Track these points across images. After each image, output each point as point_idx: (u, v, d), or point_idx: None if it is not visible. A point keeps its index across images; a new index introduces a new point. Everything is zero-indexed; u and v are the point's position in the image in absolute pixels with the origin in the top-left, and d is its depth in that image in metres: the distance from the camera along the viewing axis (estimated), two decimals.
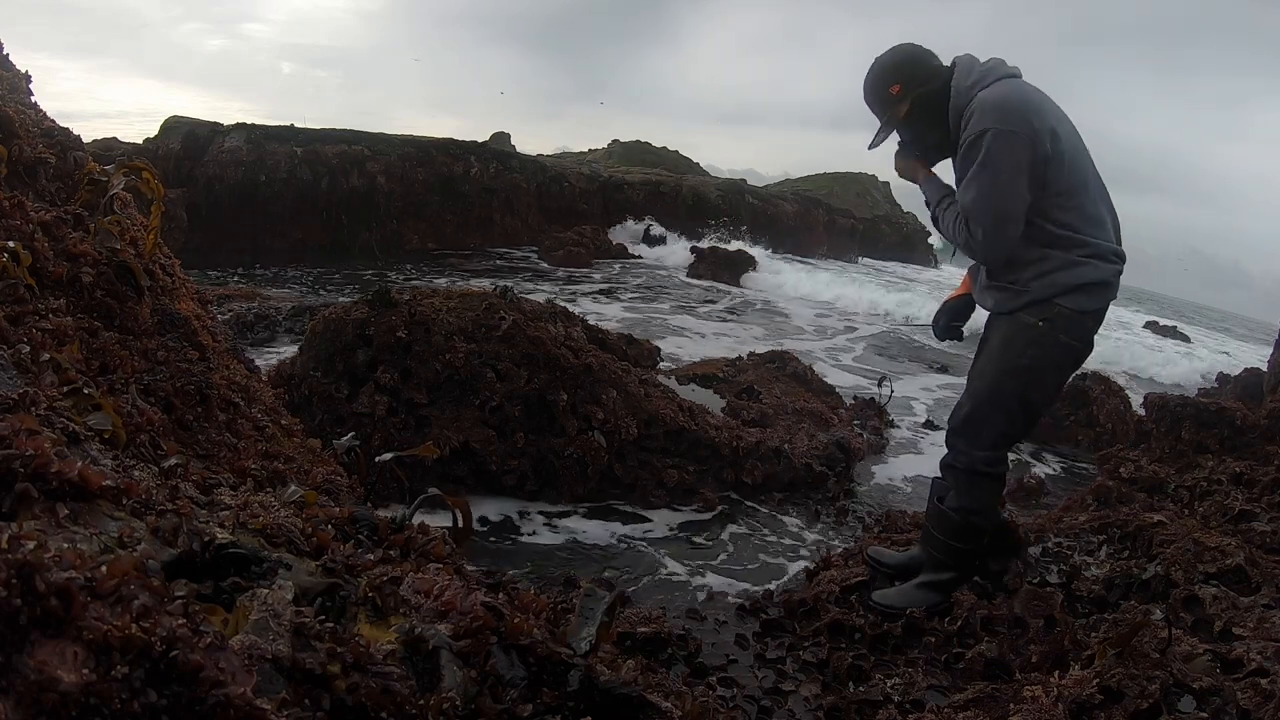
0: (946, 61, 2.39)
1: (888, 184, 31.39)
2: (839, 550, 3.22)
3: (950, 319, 2.63)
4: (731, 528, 3.73)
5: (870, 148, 2.50)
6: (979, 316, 2.57)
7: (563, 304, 5.00)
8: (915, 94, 2.35)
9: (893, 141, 2.51)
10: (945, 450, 2.58)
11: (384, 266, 13.30)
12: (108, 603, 0.61)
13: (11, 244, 1.41)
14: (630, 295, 12.29)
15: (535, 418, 3.80)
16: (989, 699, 1.91)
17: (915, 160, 2.48)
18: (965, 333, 2.64)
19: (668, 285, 13.79)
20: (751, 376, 5.75)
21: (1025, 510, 3.84)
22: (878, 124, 2.44)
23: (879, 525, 3.71)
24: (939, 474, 2.65)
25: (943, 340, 2.69)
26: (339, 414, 3.63)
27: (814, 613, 2.63)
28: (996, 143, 2.15)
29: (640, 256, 16.75)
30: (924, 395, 7.11)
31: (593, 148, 29.58)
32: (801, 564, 3.35)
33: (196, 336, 1.98)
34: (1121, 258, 2.31)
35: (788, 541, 3.66)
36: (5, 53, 2.57)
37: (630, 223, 18.04)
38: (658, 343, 6.85)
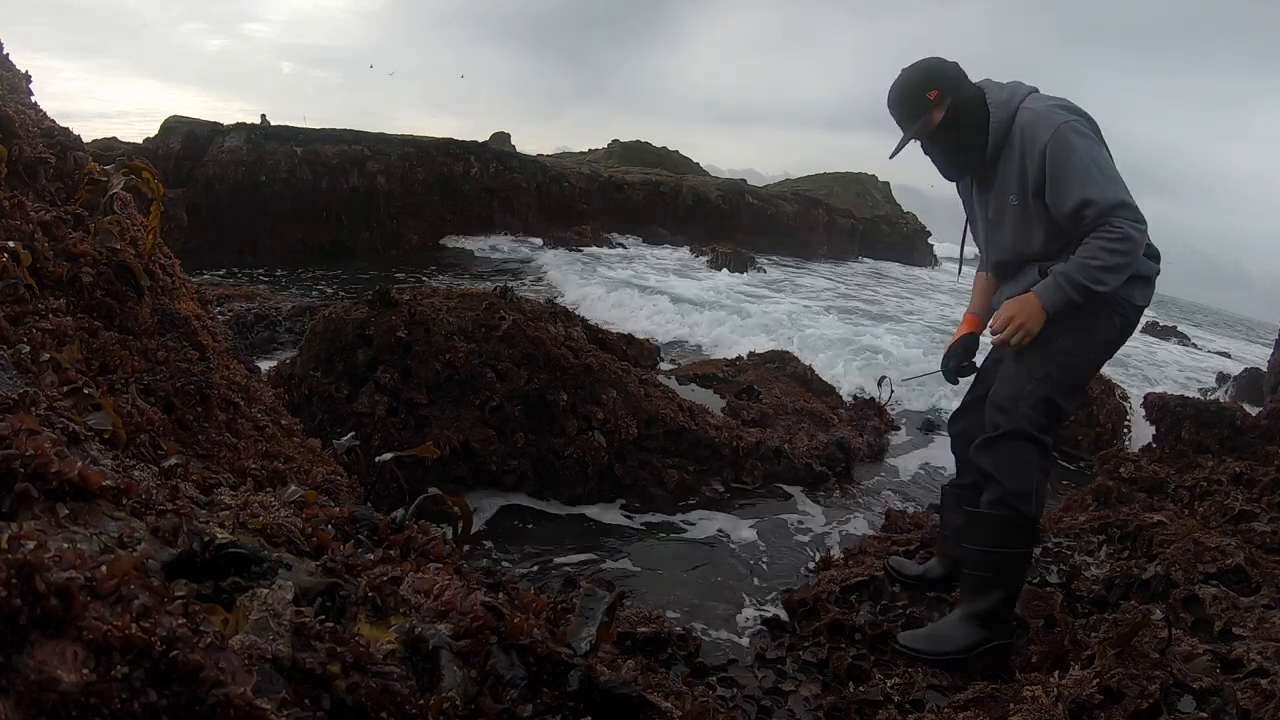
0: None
1: (888, 184, 31.40)
2: (839, 550, 3.22)
3: (962, 358, 2.54)
4: (731, 528, 3.73)
5: (892, 156, 2.44)
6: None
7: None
8: (952, 100, 2.30)
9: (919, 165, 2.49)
10: (956, 449, 2.52)
11: (414, 268, 13.22)
12: (108, 603, 0.61)
13: (11, 244, 1.41)
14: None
15: (535, 418, 3.80)
16: (989, 699, 1.91)
17: (1028, 307, 2.26)
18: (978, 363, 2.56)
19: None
20: (751, 376, 5.75)
21: None
22: (900, 133, 2.36)
23: (880, 525, 3.72)
24: (948, 486, 2.58)
25: (954, 383, 2.55)
26: (339, 414, 3.63)
27: (814, 613, 2.63)
28: (1074, 132, 2.15)
29: (645, 255, 16.73)
30: (926, 395, 7.10)
31: (593, 148, 29.59)
32: (801, 564, 3.35)
33: (196, 336, 1.98)
34: (1158, 256, 2.30)
35: (787, 542, 3.66)
36: (5, 53, 2.57)
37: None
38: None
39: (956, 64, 2.38)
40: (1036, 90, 2.32)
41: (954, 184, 2.55)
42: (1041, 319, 2.23)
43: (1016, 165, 2.25)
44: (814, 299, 13.49)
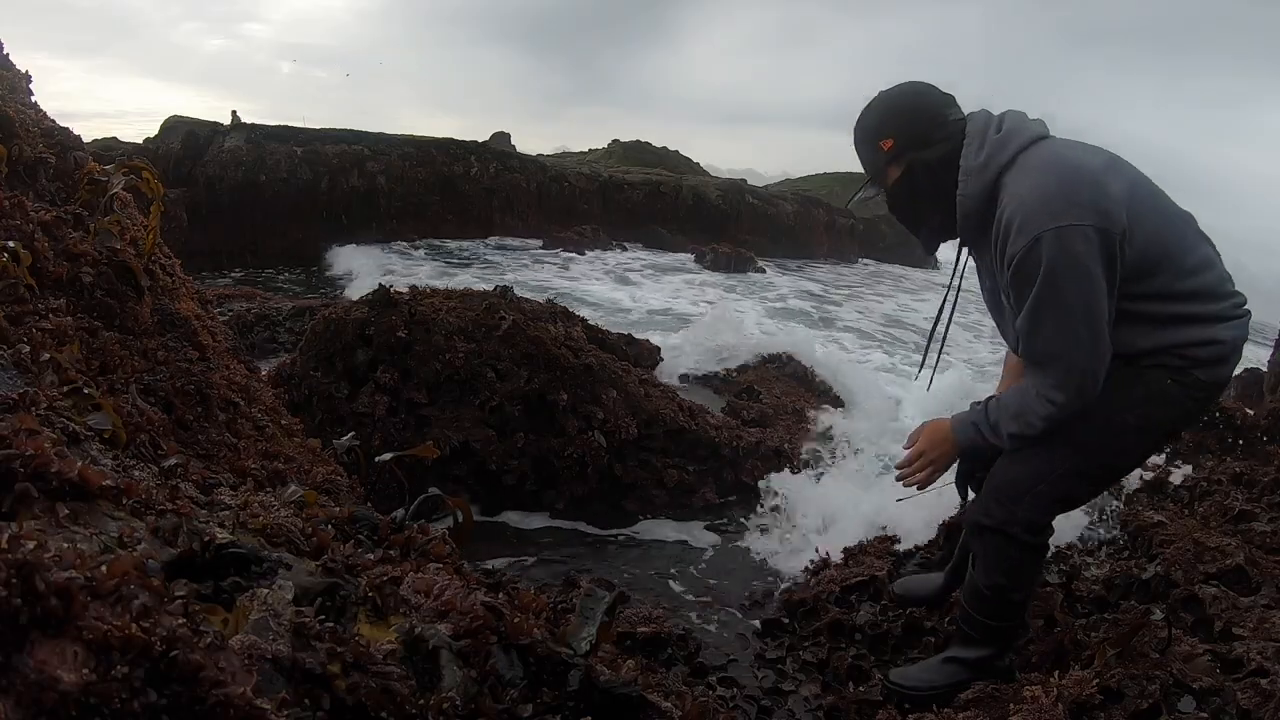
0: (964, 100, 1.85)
1: None
2: (839, 550, 3.22)
3: (975, 467, 2.11)
4: (730, 528, 3.73)
5: (848, 204, 2.04)
6: None
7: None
8: (911, 158, 1.81)
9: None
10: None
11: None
12: (108, 602, 0.61)
13: (12, 244, 1.41)
14: None
15: (535, 418, 3.80)
16: (989, 699, 1.91)
17: (939, 439, 1.96)
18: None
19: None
20: (751, 376, 5.75)
21: None
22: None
23: (882, 524, 3.71)
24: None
25: (963, 496, 2.21)
26: (339, 414, 3.63)
27: (814, 612, 2.63)
28: (1057, 249, 1.61)
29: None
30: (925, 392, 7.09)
31: (593, 148, 29.60)
32: (801, 564, 3.35)
33: (196, 336, 1.98)
34: (1244, 303, 1.82)
35: (787, 540, 3.66)
36: (5, 53, 2.57)
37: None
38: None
39: (929, 102, 1.84)
40: (1041, 139, 1.75)
41: None
42: (952, 457, 1.94)
43: (996, 260, 1.77)
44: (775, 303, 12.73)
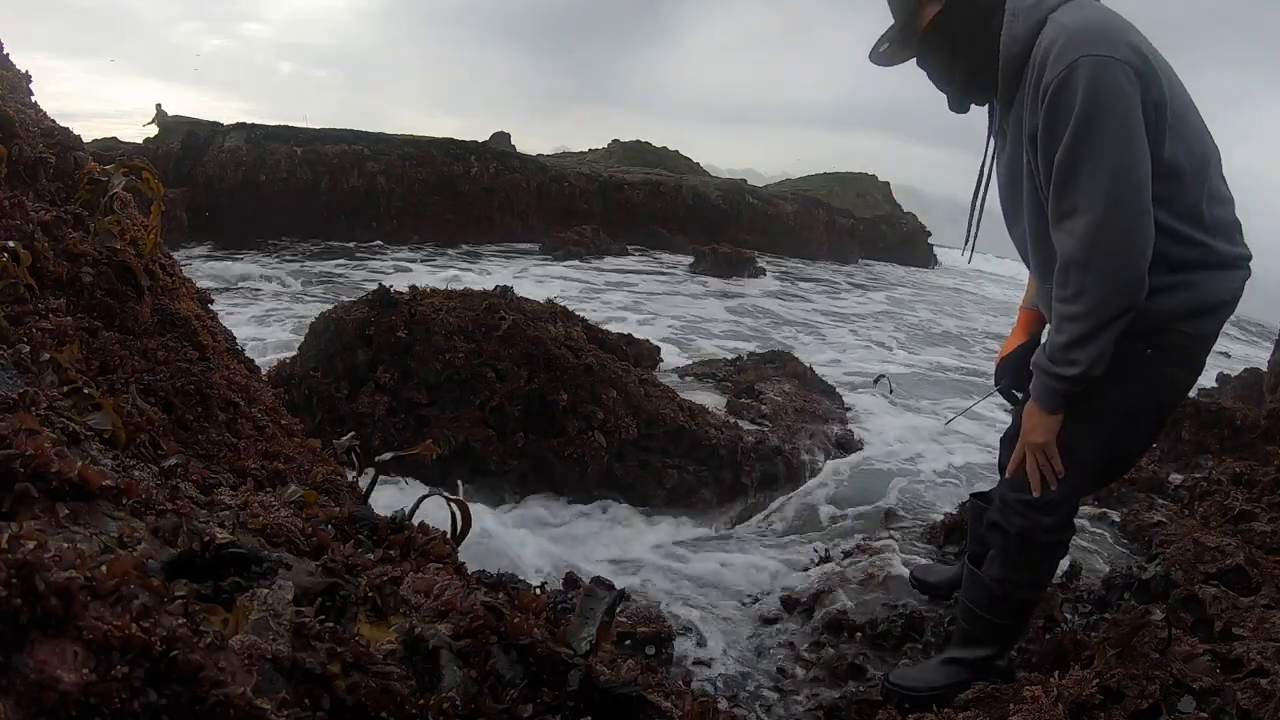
0: None
1: (888, 184, 31.33)
2: (839, 548, 3.22)
3: (1013, 380, 2.12)
4: (730, 526, 3.73)
5: (872, 58, 1.82)
6: None
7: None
8: None
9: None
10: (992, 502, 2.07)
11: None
12: (108, 602, 0.61)
13: (12, 244, 1.41)
14: None
15: (535, 418, 3.80)
16: (989, 699, 1.91)
17: (1031, 424, 1.81)
18: None
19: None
20: (752, 376, 5.75)
21: None
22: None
23: (880, 524, 3.71)
24: (977, 514, 2.25)
25: (1014, 403, 2.15)
26: (339, 414, 3.63)
27: (813, 610, 2.63)
28: (1096, 76, 1.49)
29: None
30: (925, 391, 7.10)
31: (593, 147, 29.56)
32: (801, 563, 3.35)
33: (196, 336, 1.98)
34: (1248, 259, 1.75)
35: (787, 540, 3.66)
36: (5, 53, 2.57)
37: None
38: None
39: None
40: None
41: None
42: (1048, 427, 1.76)
43: (1028, 104, 1.64)
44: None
